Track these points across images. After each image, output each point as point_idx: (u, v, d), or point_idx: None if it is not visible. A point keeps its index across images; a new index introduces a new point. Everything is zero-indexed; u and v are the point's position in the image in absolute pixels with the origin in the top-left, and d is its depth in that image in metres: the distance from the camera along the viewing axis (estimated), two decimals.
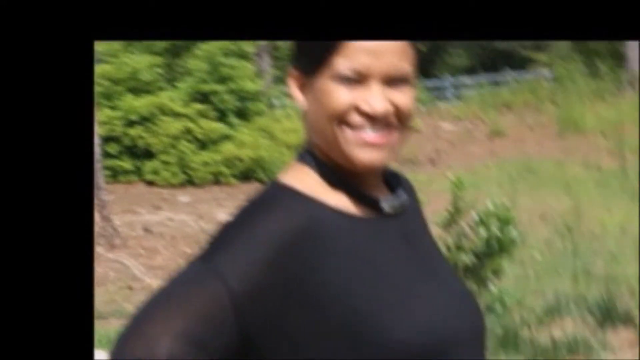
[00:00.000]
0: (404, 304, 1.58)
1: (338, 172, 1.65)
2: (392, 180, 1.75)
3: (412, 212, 1.76)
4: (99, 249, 10.20)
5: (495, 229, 6.85)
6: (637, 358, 6.57)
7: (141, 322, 1.51)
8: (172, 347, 1.47)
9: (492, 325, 6.88)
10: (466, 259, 6.80)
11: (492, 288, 7.19)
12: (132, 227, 12.97)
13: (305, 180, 1.64)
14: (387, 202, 1.68)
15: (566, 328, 7.23)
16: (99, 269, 10.78)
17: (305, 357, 1.54)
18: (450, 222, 7.10)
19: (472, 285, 6.97)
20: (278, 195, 1.62)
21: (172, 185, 16.70)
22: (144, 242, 12.02)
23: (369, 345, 1.53)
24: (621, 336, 7.09)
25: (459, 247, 6.87)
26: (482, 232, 6.87)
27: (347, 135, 1.60)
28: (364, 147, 1.60)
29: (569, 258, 8.94)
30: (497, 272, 6.98)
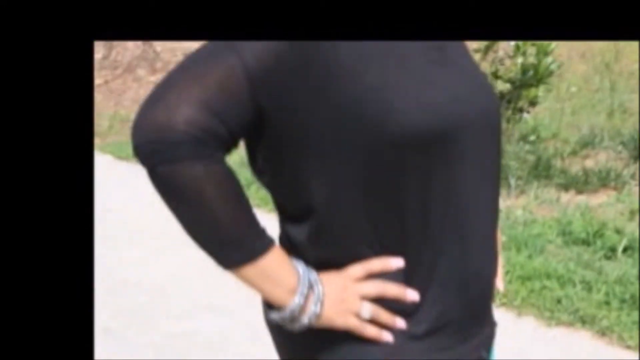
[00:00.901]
0: (417, 86, 1.58)
1: None
2: None
3: None
4: (141, 72, 10.26)
5: (532, 57, 6.85)
6: None
7: (163, 89, 1.56)
8: (190, 113, 1.52)
9: (526, 154, 6.97)
10: (502, 87, 6.83)
11: (528, 118, 7.26)
12: (174, 52, 13.05)
13: None
14: None
15: (599, 160, 7.32)
16: (141, 91, 10.92)
17: (315, 135, 1.57)
18: (488, 49, 7.11)
19: (507, 114, 7.04)
20: None
21: None
22: None
23: (378, 126, 1.55)
24: None
25: (496, 75, 6.89)
26: (520, 60, 6.88)
27: None
28: None
29: (606, 94, 8.95)
30: (532, 102, 7.01)
